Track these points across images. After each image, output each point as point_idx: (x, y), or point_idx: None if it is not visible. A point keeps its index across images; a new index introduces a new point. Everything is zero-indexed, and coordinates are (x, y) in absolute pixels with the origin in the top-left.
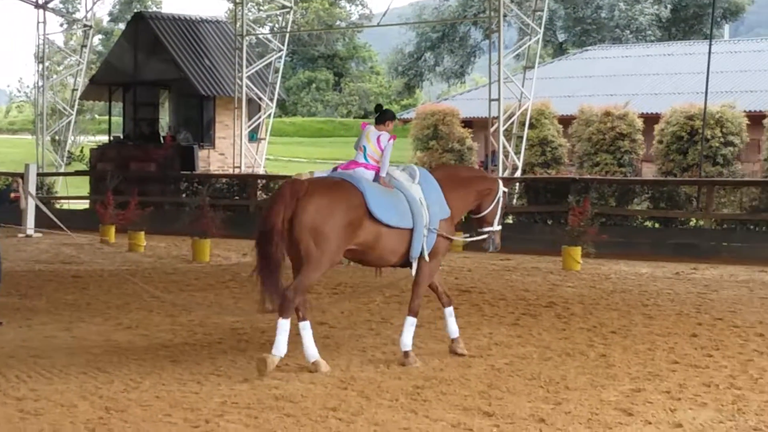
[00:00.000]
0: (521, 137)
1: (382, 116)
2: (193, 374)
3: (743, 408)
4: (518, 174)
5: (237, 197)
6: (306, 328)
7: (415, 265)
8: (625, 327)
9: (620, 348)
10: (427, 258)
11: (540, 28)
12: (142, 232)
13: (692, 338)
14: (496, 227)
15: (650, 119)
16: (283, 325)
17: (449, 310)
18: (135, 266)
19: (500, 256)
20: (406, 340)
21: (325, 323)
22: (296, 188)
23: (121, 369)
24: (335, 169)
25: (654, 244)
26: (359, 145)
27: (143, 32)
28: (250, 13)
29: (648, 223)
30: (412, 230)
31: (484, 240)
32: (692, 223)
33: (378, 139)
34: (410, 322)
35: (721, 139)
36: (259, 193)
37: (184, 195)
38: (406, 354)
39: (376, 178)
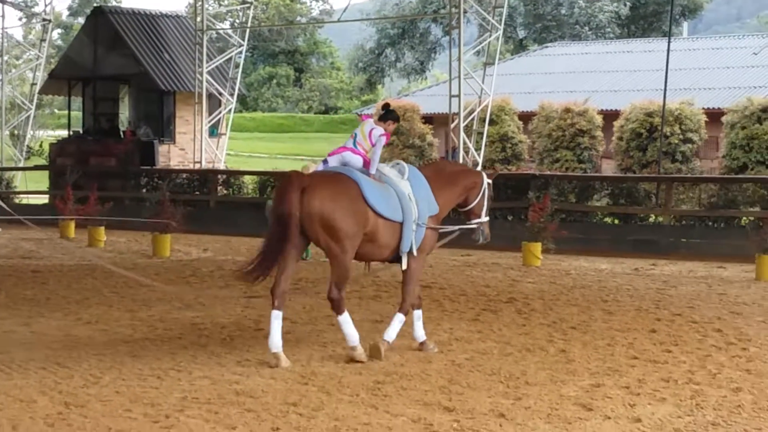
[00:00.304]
0: (481, 133)
1: (386, 114)
2: (153, 369)
3: (701, 403)
4: (479, 170)
5: (197, 192)
6: (278, 318)
7: (404, 261)
8: (584, 323)
9: (580, 343)
10: (415, 253)
11: (500, 24)
12: (102, 227)
13: (651, 334)
14: (484, 218)
15: (610, 116)
16: (344, 318)
17: (418, 314)
18: (95, 261)
19: (461, 252)
20: (391, 334)
21: (286, 318)
22: (301, 181)
23: (80, 364)
24: (325, 159)
25: (613, 240)
26: (352, 133)
27: (103, 26)
28: (210, 8)
29: (608, 220)
30: (402, 224)
31: (473, 232)
32: (651, 219)
33: (371, 131)
34: (399, 319)
35: (680, 136)
36: (219, 188)
37: (144, 190)
38: (381, 344)
39: (364, 168)
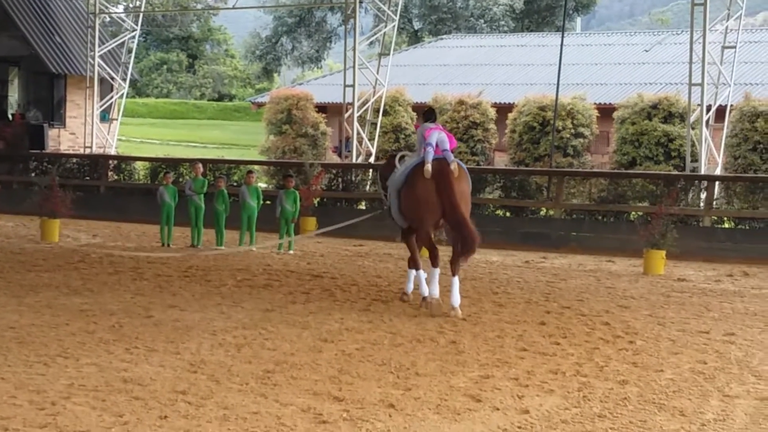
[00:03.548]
0: (375, 124)
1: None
2: (40, 356)
3: (588, 395)
4: (372, 161)
5: (88, 177)
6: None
7: None
8: (475, 314)
9: (470, 335)
10: None
11: (396, 15)
12: None
13: (540, 326)
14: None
15: (503, 109)
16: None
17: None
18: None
19: (353, 242)
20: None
21: (175, 306)
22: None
23: None
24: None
25: (505, 232)
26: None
27: None
28: None
29: (499, 212)
30: None
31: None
32: (542, 212)
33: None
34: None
35: (572, 131)
36: (110, 173)
37: (33, 174)
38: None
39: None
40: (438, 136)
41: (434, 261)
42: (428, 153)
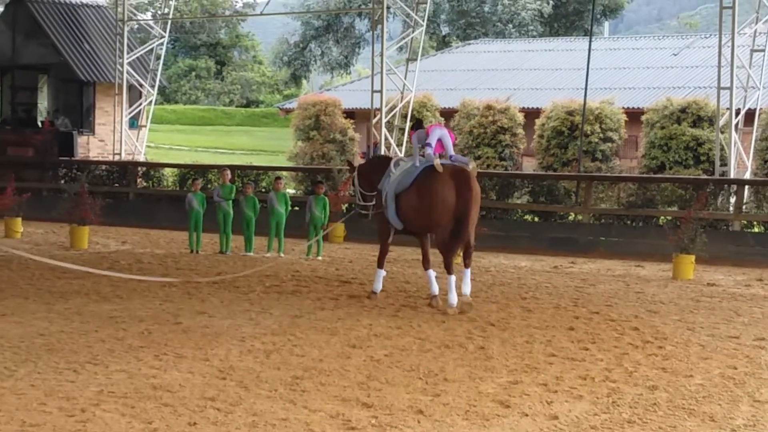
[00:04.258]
0: (403, 129)
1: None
2: (70, 363)
3: (618, 401)
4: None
5: (117, 184)
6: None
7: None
8: (503, 320)
9: (498, 340)
10: None
11: (423, 20)
12: (19, 218)
13: (569, 331)
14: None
15: (531, 114)
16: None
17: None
18: (11, 253)
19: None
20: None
21: (204, 313)
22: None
23: None
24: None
25: (533, 237)
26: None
27: (22, 15)
28: None
29: (527, 217)
30: None
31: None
32: (571, 217)
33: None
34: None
35: (600, 135)
36: (138, 180)
37: (62, 181)
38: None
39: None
40: (440, 133)
41: (450, 268)
42: (428, 152)
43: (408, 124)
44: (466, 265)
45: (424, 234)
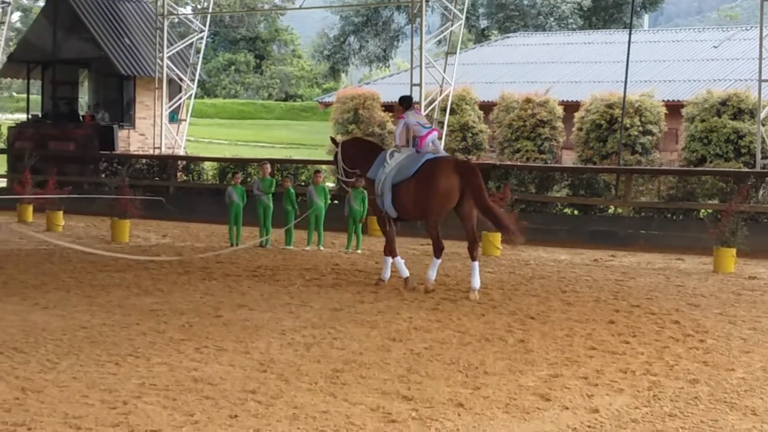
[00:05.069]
0: (442, 123)
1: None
2: (111, 355)
3: (659, 394)
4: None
5: (157, 178)
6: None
7: None
8: (543, 313)
9: (539, 334)
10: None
11: (462, 14)
12: (61, 212)
13: (610, 325)
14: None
15: (570, 107)
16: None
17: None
18: (53, 246)
19: (421, 241)
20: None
21: (244, 306)
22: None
23: (37, 349)
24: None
25: (573, 230)
26: (414, 122)
27: (63, 10)
28: None
29: (567, 210)
30: None
31: None
32: (611, 210)
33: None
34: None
35: (640, 128)
36: (179, 174)
37: (103, 175)
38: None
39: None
40: (433, 137)
41: (438, 252)
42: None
43: (446, 117)
44: (474, 258)
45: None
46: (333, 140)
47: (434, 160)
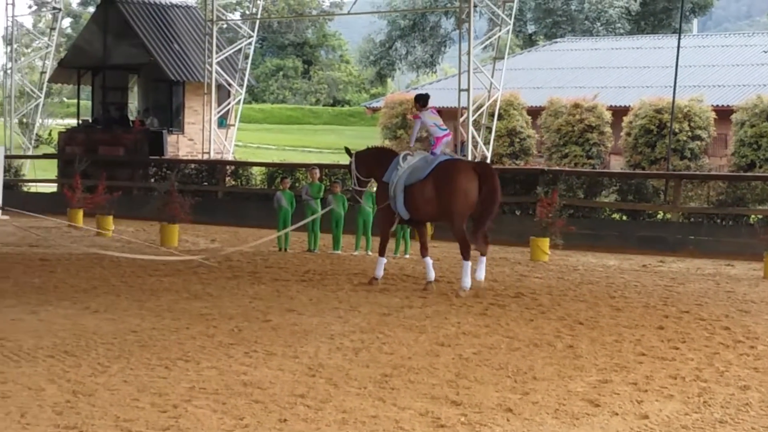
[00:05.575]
0: (490, 128)
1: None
2: (161, 359)
3: (709, 400)
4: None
5: (206, 183)
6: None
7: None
8: (592, 318)
9: (587, 339)
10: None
11: (510, 19)
12: (110, 217)
13: (659, 330)
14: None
15: (619, 112)
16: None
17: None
18: (103, 251)
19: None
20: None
21: (293, 310)
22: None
23: (88, 353)
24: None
25: (621, 236)
26: (431, 123)
27: (113, 16)
28: None
29: (616, 216)
30: None
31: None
32: (660, 216)
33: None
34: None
35: (689, 133)
36: (227, 179)
37: (152, 180)
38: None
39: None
40: (447, 140)
41: (467, 254)
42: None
43: (494, 123)
44: (483, 253)
45: (425, 224)
46: (348, 150)
47: (451, 162)
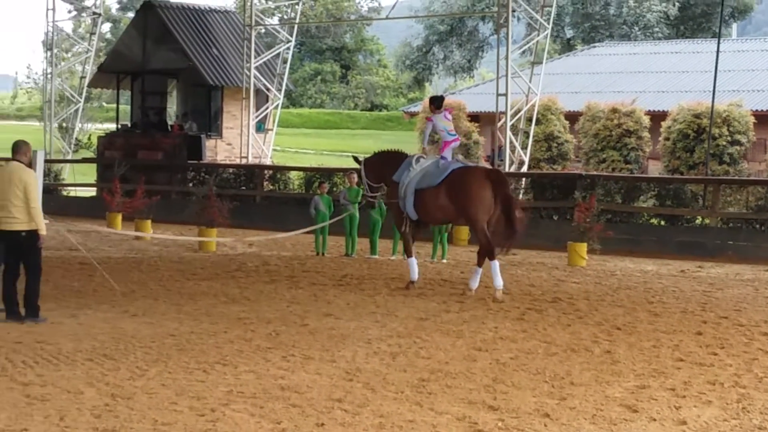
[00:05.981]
0: (528, 132)
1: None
2: (199, 363)
3: (748, 407)
4: (524, 169)
5: (244, 187)
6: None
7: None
8: (630, 324)
9: (625, 345)
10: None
11: (548, 23)
12: (149, 221)
13: (697, 336)
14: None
15: (657, 117)
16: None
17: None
18: (141, 254)
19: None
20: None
21: (330, 315)
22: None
23: (127, 356)
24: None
25: (659, 241)
26: (441, 128)
27: (152, 21)
28: (258, 4)
29: (654, 221)
30: None
31: None
32: (698, 221)
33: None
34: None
35: (728, 138)
36: (265, 183)
37: (191, 184)
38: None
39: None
40: (454, 145)
41: (491, 255)
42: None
43: (532, 127)
44: (492, 258)
45: (428, 225)
46: (356, 159)
47: (465, 169)
